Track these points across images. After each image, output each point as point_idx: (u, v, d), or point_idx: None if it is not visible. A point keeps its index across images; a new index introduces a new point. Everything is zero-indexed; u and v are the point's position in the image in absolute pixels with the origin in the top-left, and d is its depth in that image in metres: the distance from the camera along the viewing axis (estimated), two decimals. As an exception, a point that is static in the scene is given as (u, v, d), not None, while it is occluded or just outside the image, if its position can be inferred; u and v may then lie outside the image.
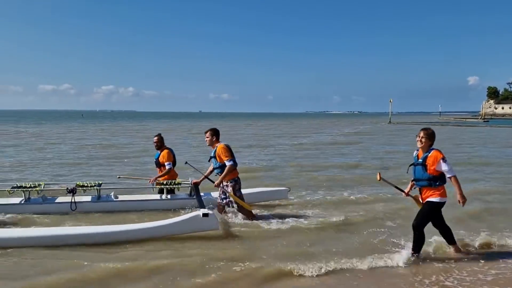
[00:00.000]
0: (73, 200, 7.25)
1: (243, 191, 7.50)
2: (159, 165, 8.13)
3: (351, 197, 9.36)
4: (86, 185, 7.65)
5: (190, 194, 7.94)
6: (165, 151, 8.05)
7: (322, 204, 8.65)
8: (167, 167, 7.97)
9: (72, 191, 7.31)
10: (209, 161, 7.45)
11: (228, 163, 6.96)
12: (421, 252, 5.33)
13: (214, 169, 7.34)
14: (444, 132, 38.98)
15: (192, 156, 16.65)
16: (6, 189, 7.24)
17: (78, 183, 7.69)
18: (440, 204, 5.19)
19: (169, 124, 65.52)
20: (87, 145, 23.48)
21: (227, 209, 7.38)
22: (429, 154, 5.16)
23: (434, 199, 5.17)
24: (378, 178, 5.45)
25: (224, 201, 7.26)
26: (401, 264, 5.13)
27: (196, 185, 7.57)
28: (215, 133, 7.27)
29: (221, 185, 7.15)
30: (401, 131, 42.76)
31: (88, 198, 7.60)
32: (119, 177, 8.87)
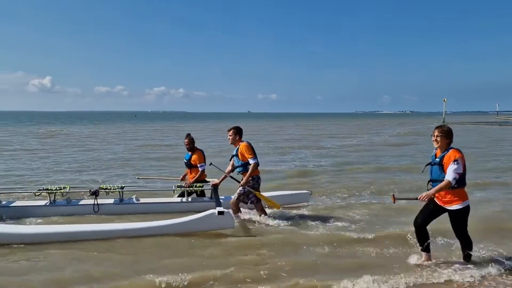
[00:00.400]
0: (96, 202, 7.38)
1: (263, 194, 7.47)
2: (191, 166, 8.13)
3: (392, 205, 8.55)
4: (109, 187, 7.78)
5: (211, 197, 7.91)
6: (198, 152, 8.06)
7: (354, 209, 8.16)
8: (200, 169, 7.98)
9: (95, 194, 7.45)
10: (230, 159, 7.45)
11: (252, 161, 7.00)
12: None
13: (235, 167, 7.31)
14: (502, 133, 36.72)
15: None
16: (33, 191, 7.49)
17: (101, 186, 7.85)
18: (466, 209, 4.82)
19: (218, 124, 66.00)
20: (145, 145, 23.79)
21: (242, 209, 7.38)
22: (447, 153, 4.76)
23: (457, 206, 4.80)
24: (393, 201, 5.05)
25: (241, 197, 7.21)
26: None
27: (215, 186, 7.60)
28: (238, 131, 7.28)
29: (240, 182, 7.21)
30: (454, 131, 40.57)
31: (110, 201, 7.72)
32: (138, 178, 9.08)
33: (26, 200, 7.65)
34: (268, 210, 7.53)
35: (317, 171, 13.67)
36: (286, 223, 7.05)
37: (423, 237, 5.07)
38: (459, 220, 4.85)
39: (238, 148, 7.15)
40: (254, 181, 7.17)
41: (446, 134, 4.83)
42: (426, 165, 5.04)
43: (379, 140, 29.11)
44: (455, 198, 4.78)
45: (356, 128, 51.56)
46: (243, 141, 7.21)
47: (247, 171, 7.05)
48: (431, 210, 4.99)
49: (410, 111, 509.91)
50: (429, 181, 4.98)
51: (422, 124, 65.28)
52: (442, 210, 4.91)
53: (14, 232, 5.90)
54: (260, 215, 7.25)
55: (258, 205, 7.27)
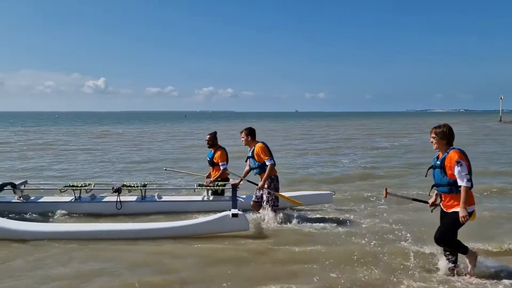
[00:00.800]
0: (118, 200, 7.48)
1: (284, 194, 7.39)
2: (213, 164, 8.06)
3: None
4: (132, 185, 7.87)
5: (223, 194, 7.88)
6: (220, 150, 7.95)
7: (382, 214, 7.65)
8: (221, 168, 7.88)
9: (118, 191, 7.54)
10: (246, 161, 7.33)
11: (269, 163, 6.89)
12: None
13: (252, 169, 7.19)
14: None
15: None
16: (59, 188, 7.70)
17: (125, 183, 7.94)
18: (468, 214, 4.35)
19: (266, 123, 65.68)
20: (194, 146, 23.83)
21: (261, 211, 7.18)
22: (447, 155, 4.36)
23: (457, 209, 4.34)
24: (385, 195, 4.74)
25: (260, 199, 7.11)
26: None
27: (234, 186, 7.43)
28: (250, 132, 7.17)
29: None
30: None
31: (133, 198, 7.81)
32: (165, 169, 9.20)
33: (54, 196, 7.86)
34: (287, 211, 7.39)
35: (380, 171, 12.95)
36: (304, 226, 6.85)
37: (451, 253, 4.56)
38: (453, 223, 4.36)
39: (254, 149, 7.05)
40: (275, 181, 7.03)
41: (443, 135, 4.42)
42: (428, 169, 4.65)
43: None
44: (457, 203, 4.36)
45: (410, 127, 49.40)
46: (258, 142, 7.09)
47: (264, 172, 6.93)
48: (443, 223, 4.55)
49: (464, 110, 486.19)
50: (433, 186, 4.61)
51: (478, 122, 62.00)
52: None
53: (35, 229, 6.05)
54: (256, 213, 7.21)
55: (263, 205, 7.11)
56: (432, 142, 4.47)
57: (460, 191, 4.28)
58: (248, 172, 7.35)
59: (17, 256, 5.41)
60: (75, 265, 5.13)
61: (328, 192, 8.20)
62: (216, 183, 7.85)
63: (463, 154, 4.32)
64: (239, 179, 7.39)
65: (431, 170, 4.58)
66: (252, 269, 5.09)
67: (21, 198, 7.52)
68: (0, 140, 28.17)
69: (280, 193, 7.14)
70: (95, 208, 7.58)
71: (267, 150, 6.98)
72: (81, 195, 7.71)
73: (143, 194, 7.85)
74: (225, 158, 7.98)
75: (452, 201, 4.38)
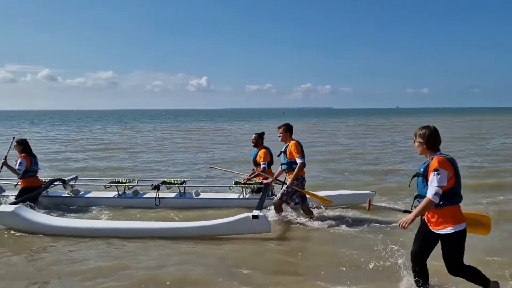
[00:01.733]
0: (157, 196, 7.66)
1: (323, 193, 7.38)
2: (256, 163, 8.03)
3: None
4: (173, 181, 8.04)
5: (268, 194, 7.65)
6: (263, 150, 7.91)
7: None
8: (261, 167, 7.81)
9: (157, 188, 7.74)
10: (278, 156, 7.20)
11: (299, 161, 6.73)
12: None
13: (281, 164, 7.07)
14: None
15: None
16: (103, 184, 8.11)
17: (165, 180, 8.16)
18: (460, 234, 3.63)
19: (365, 120, 63.40)
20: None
21: (289, 208, 7.08)
22: (431, 162, 3.66)
23: (448, 230, 3.64)
24: (368, 208, 4.19)
25: (284, 197, 6.89)
26: None
27: (266, 185, 7.43)
28: (288, 129, 7.07)
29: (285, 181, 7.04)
30: None
31: (172, 195, 7.97)
32: (210, 167, 9.47)
33: (100, 191, 8.30)
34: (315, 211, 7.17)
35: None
36: (331, 228, 6.54)
37: (420, 275, 3.87)
38: (451, 247, 3.67)
39: (288, 145, 6.93)
40: (298, 182, 6.84)
41: (426, 139, 3.73)
42: (413, 177, 3.97)
43: None
44: (445, 220, 3.64)
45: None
46: (293, 140, 6.95)
47: (293, 170, 6.77)
48: (424, 237, 3.85)
49: None
50: (415, 197, 3.90)
51: None
52: (434, 236, 3.75)
53: (76, 226, 6.38)
54: (308, 217, 6.88)
55: (304, 206, 6.93)
56: (416, 146, 3.84)
57: (442, 205, 3.61)
58: (281, 172, 7.19)
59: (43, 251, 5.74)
60: (93, 262, 5.27)
61: (368, 192, 7.77)
62: (252, 181, 7.77)
63: (447, 162, 3.61)
64: (273, 177, 7.33)
65: (415, 178, 3.89)
66: (268, 269, 5.03)
67: (71, 193, 8.06)
68: (124, 138, 29.39)
69: (309, 191, 6.98)
70: (136, 204, 7.87)
71: (300, 148, 6.84)
72: (125, 191, 8.04)
73: (183, 191, 8.01)
74: (268, 157, 7.88)
75: (437, 216, 3.69)
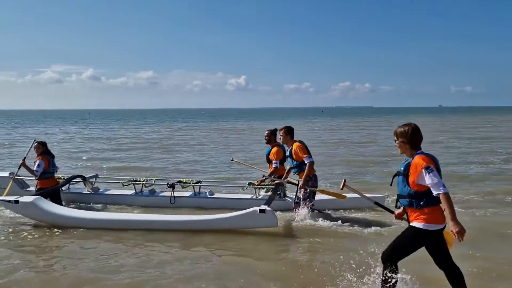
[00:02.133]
0: (172, 195, 7.84)
1: (327, 190, 7.40)
2: (269, 161, 8.01)
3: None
4: (188, 181, 8.20)
5: (280, 196, 7.71)
6: (275, 148, 7.83)
7: None
8: (273, 166, 7.80)
9: (172, 186, 7.91)
10: (285, 161, 7.24)
11: (307, 161, 6.73)
12: None
13: (291, 168, 7.05)
14: None
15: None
16: (121, 182, 8.36)
17: (181, 179, 8.33)
18: (426, 233, 3.49)
19: (404, 119, 61.47)
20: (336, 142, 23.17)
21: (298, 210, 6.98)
22: (412, 161, 3.51)
23: (417, 224, 3.53)
24: (341, 187, 4.17)
25: (307, 202, 6.85)
26: None
27: (277, 185, 7.45)
28: (289, 131, 7.02)
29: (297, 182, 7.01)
30: None
31: (187, 194, 8.13)
32: (232, 160, 9.81)
33: (118, 189, 8.56)
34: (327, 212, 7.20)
35: None
36: (338, 227, 6.60)
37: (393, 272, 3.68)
38: (403, 236, 3.61)
39: (291, 148, 6.92)
40: (313, 181, 6.83)
41: (407, 138, 3.57)
42: (394, 176, 3.82)
43: None
44: (420, 216, 3.52)
45: None
46: (295, 141, 6.94)
47: (303, 171, 6.75)
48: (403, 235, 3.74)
49: None
50: (397, 197, 3.74)
51: None
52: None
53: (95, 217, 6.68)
54: (294, 210, 6.98)
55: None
56: (396, 145, 3.70)
57: (422, 205, 3.48)
58: (289, 171, 7.20)
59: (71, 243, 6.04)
60: (99, 253, 5.52)
61: (380, 195, 7.52)
62: (265, 181, 7.77)
63: (431, 159, 3.46)
64: (282, 179, 7.31)
65: (396, 178, 3.75)
66: (270, 265, 5.14)
67: (91, 190, 8.36)
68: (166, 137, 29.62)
69: (321, 189, 6.99)
70: (152, 202, 8.06)
71: (305, 148, 6.83)
72: (142, 190, 8.25)
73: (198, 190, 8.15)
74: (281, 155, 7.78)
75: (416, 213, 3.56)
